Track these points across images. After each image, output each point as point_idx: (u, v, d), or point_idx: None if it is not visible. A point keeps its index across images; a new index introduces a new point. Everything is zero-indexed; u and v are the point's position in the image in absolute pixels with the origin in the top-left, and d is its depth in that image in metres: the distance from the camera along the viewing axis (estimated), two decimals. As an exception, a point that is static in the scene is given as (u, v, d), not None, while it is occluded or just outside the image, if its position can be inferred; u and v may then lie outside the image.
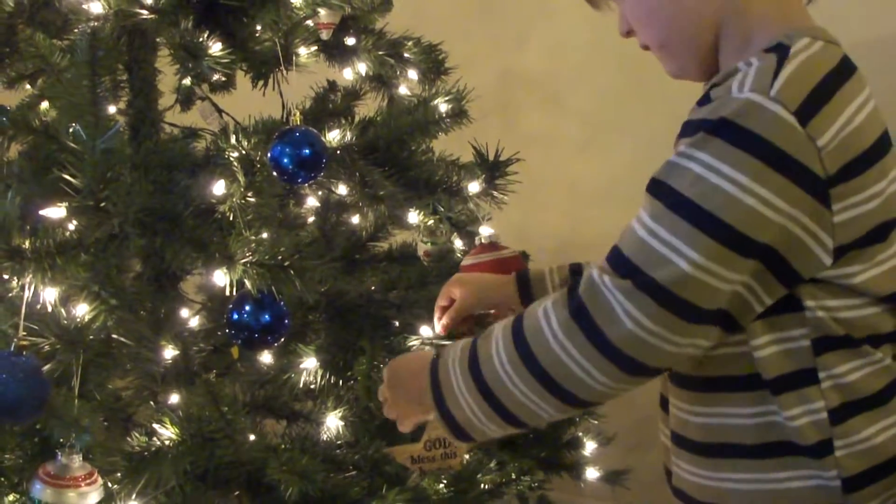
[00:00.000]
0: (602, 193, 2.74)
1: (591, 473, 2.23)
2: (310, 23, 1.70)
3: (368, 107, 2.12)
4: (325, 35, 1.84)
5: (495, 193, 1.91)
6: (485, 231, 1.87)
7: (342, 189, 1.91)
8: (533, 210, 2.79)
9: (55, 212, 1.35)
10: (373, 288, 1.91)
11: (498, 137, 2.50)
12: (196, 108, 1.94)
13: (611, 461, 2.30)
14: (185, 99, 1.89)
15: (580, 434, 2.25)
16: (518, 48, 2.99)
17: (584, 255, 2.80)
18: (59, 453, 1.39)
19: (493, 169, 1.92)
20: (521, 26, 2.99)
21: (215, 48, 1.56)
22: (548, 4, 2.89)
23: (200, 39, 1.52)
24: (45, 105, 1.88)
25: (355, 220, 2.11)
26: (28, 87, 1.95)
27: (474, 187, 1.92)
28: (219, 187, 1.57)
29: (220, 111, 1.90)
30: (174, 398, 1.60)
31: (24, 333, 1.35)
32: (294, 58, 1.64)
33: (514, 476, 2.04)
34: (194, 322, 1.84)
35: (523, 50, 2.98)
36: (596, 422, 2.27)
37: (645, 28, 1.36)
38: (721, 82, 1.21)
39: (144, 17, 1.50)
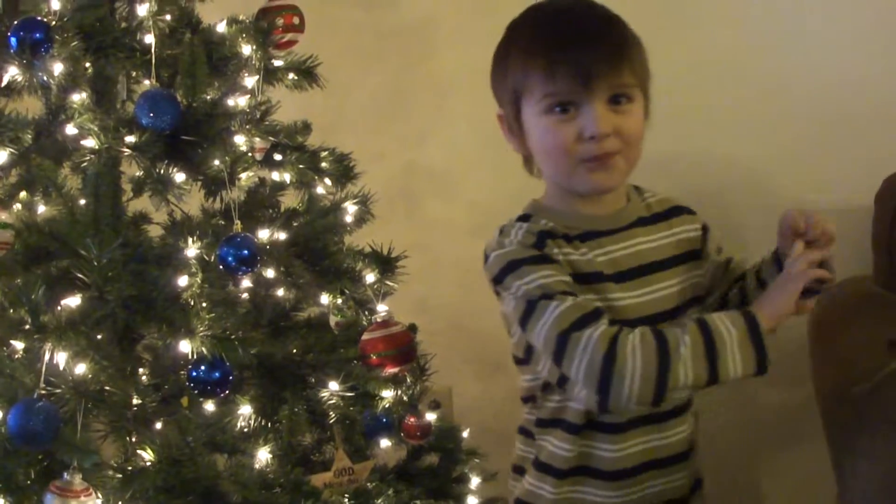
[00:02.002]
0: (489, 269, 2.91)
1: (472, 501, 2.44)
2: (249, 154, 1.98)
3: (292, 197, 2.34)
4: (259, 157, 2.11)
5: (387, 282, 2.18)
6: (381, 310, 2.12)
7: (270, 272, 2.14)
8: (432, 282, 3.03)
9: (73, 300, 1.75)
10: (294, 351, 2.13)
11: (402, 222, 2.84)
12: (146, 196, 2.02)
13: (491, 493, 2.48)
14: (138, 188, 2.01)
15: (467, 471, 2.45)
16: (420, 144, 3.18)
17: (475, 319, 3.18)
18: (66, 473, 1.68)
19: (385, 263, 2.19)
20: (423, 126, 3.16)
21: (179, 177, 1.87)
22: (446, 108, 3.12)
23: (169, 172, 1.84)
24: (23, 194, 2.11)
25: (280, 292, 2.29)
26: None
27: (371, 278, 2.18)
28: (182, 280, 1.87)
29: (167, 202, 2.03)
30: (146, 433, 1.84)
31: (43, 384, 1.66)
32: (237, 181, 1.96)
33: (406, 500, 2.21)
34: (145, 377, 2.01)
35: (425, 146, 3.18)
36: (478, 460, 2.48)
37: (638, 142, 1.69)
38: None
39: (127, 153, 1.82)
